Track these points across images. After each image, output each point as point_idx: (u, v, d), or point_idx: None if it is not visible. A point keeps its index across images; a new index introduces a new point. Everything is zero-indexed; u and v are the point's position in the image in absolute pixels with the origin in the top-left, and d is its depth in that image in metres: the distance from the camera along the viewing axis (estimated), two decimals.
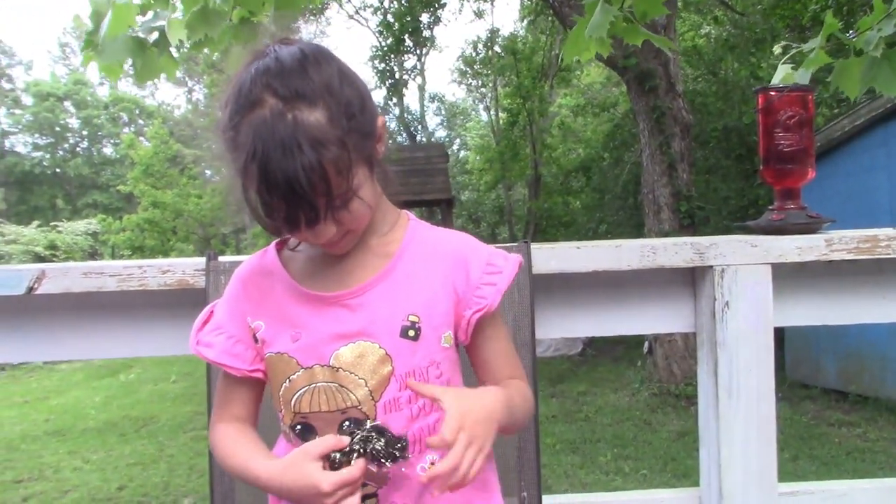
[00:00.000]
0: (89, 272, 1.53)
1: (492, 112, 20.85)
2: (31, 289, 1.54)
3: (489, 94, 21.04)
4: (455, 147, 31.02)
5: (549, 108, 18.01)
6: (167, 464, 6.85)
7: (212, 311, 1.25)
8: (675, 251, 1.60)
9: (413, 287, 1.17)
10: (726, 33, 12.48)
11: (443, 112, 31.82)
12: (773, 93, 1.74)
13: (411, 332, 1.15)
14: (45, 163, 38.73)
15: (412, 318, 1.15)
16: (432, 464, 1.15)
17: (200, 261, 1.56)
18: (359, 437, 1.06)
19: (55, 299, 1.59)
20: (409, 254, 1.20)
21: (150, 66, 2.07)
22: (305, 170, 0.97)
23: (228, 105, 1.04)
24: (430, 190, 13.91)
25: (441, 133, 32.31)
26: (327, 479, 1.02)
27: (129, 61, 2.11)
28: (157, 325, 1.66)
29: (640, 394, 8.81)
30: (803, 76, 2.10)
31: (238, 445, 1.20)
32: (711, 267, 1.61)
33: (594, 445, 6.83)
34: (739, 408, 1.62)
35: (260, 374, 1.21)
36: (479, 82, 21.86)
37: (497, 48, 18.94)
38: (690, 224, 8.98)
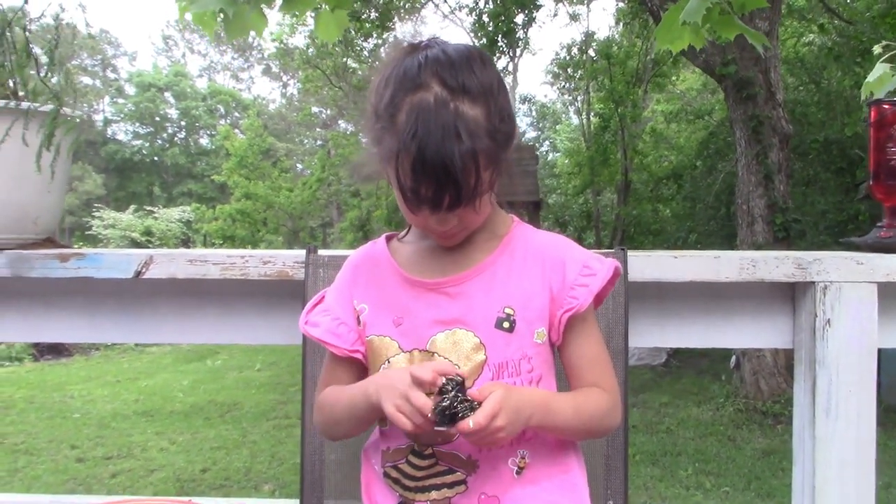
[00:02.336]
0: (194, 259, 1.59)
1: (583, 115, 20.65)
2: (138, 273, 1.61)
3: (581, 98, 20.85)
4: (544, 149, 30.86)
5: (642, 114, 17.74)
6: (249, 450, 7.01)
7: (323, 296, 1.33)
8: (775, 265, 1.56)
9: (511, 281, 1.21)
10: (831, 42, 12.05)
11: (533, 114, 31.70)
12: (886, 106, 1.68)
13: (506, 324, 1.18)
14: (144, 151, 40.03)
15: (508, 310, 1.19)
16: (522, 458, 1.20)
17: (301, 253, 1.60)
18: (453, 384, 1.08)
19: (160, 284, 1.66)
20: (509, 250, 1.24)
21: (241, 22, 2.12)
22: (462, 156, 1.04)
23: (390, 85, 1.11)
24: (517, 191, 13.86)
25: (530, 134, 32.21)
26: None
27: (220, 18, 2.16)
28: (254, 313, 1.72)
29: (724, 409, 8.59)
30: None
31: (345, 387, 1.26)
32: (814, 283, 1.56)
33: (675, 458, 6.70)
34: (837, 429, 1.57)
35: (360, 356, 1.27)
36: (572, 85, 21.66)
37: (591, 52, 18.74)
38: (785, 237, 8.72)
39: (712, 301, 1.66)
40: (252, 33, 2.38)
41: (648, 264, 1.57)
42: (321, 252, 1.58)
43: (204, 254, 1.58)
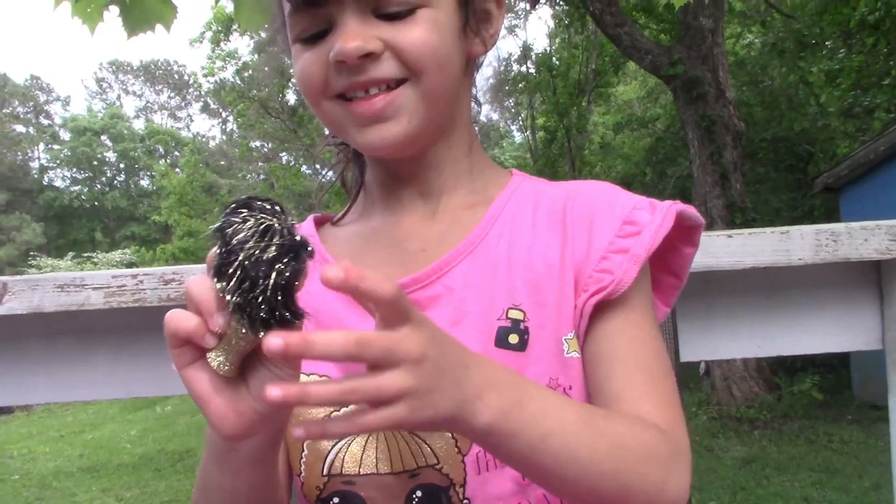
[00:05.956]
0: (66, 284, 1.11)
1: (527, 131, 20.52)
2: None
3: (523, 113, 20.72)
4: None
5: (587, 125, 17.67)
6: None
7: None
8: (863, 237, 1.13)
9: (514, 265, 0.75)
10: (774, 37, 12.05)
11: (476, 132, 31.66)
12: None
13: (513, 337, 0.72)
14: (83, 196, 39.56)
15: (514, 313, 0.73)
16: None
17: None
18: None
19: (23, 322, 1.16)
20: (507, 216, 0.79)
21: (142, 12, 1.66)
22: None
23: None
24: None
25: None
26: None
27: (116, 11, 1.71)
28: (159, 353, 1.21)
29: (697, 418, 8.40)
30: None
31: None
32: None
33: None
34: None
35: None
36: (513, 101, 21.52)
37: (530, 65, 18.62)
38: None
39: (774, 295, 1.24)
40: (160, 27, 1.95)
41: None
42: None
43: (80, 276, 1.10)
